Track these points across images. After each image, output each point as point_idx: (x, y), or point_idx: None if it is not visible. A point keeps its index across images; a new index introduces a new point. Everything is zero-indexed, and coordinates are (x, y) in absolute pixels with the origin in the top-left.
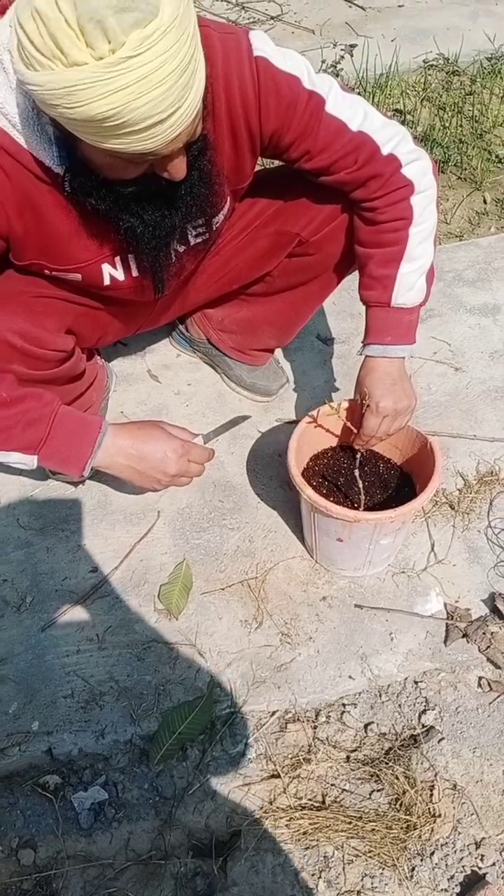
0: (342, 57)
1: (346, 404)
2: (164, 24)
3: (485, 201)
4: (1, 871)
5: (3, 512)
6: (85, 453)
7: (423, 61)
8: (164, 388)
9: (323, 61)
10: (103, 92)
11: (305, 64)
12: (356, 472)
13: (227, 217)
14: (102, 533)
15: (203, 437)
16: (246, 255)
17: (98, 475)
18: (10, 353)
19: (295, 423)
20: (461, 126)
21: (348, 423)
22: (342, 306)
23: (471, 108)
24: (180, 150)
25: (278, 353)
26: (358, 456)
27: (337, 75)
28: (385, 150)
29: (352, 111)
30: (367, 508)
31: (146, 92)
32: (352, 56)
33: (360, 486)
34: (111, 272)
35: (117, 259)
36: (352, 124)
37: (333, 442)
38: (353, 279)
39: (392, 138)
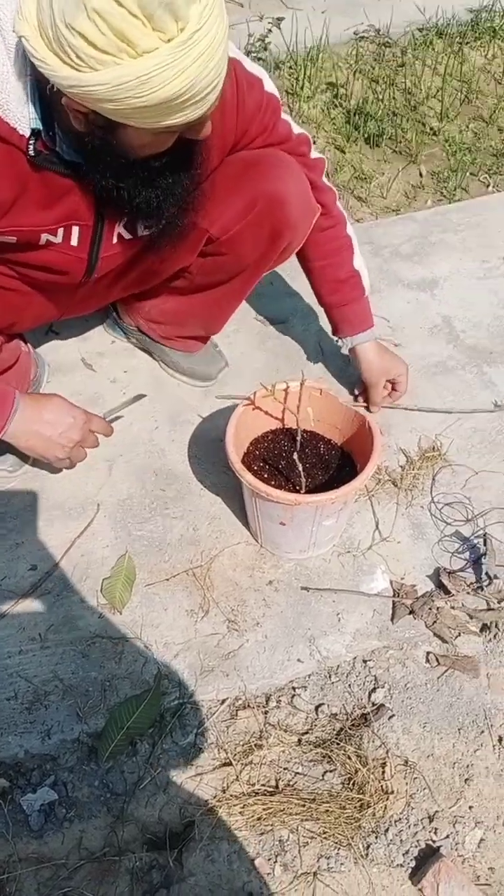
0: (270, 31)
1: (282, 385)
2: (206, 6)
3: (420, 174)
4: None
5: None
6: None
7: (354, 33)
8: (99, 377)
9: (250, 35)
10: (177, 70)
11: (262, 69)
12: (295, 455)
13: None
14: (41, 529)
15: (103, 415)
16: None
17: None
18: None
19: (236, 407)
20: (394, 98)
21: (286, 406)
22: (279, 286)
23: (404, 80)
24: (208, 116)
25: (216, 337)
26: (298, 438)
27: (265, 49)
28: (313, 155)
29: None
30: (309, 490)
31: (211, 60)
32: (280, 29)
33: (301, 468)
34: (48, 237)
35: (60, 230)
36: (293, 128)
37: (273, 425)
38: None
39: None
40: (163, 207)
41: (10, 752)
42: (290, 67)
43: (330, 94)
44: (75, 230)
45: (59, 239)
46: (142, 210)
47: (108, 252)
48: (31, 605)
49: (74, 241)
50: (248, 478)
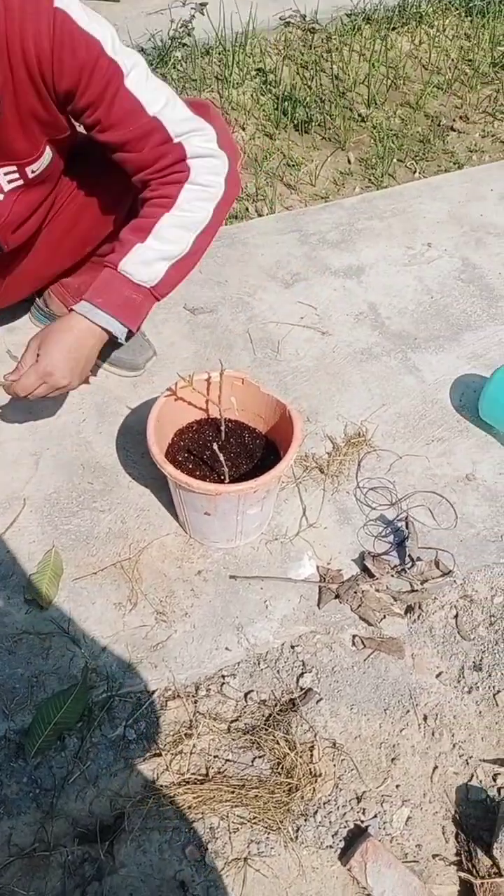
0: (193, 16)
1: (203, 375)
2: None
3: (349, 161)
4: None
5: None
6: None
7: (281, 18)
8: None
9: (172, 21)
10: None
11: (111, 33)
12: (215, 446)
13: (54, 167)
14: None
15: None
16: (90, 212)
17: None
18: None
19: None
20: (323, 85)
21: (208, 396)
22: (208, 274)
23: (332, 66)
24: None
25: (144, 325)
26: (222, 428)
27: (189, 34)
28: (175, 140)
29: (153, 95)
30: (234, 480)
31: None
32: (203, 14)
33: (222, 458)
34: None
35: None
36: (149, 108)
37: (197, 415)
38: (216, 238)
39: (189, 132)
40: None
41: None
42: (220, 53)
43: (259, 81)
44: None
45: None
46: None
47: None
48: None
49: None
50: (169, 469)
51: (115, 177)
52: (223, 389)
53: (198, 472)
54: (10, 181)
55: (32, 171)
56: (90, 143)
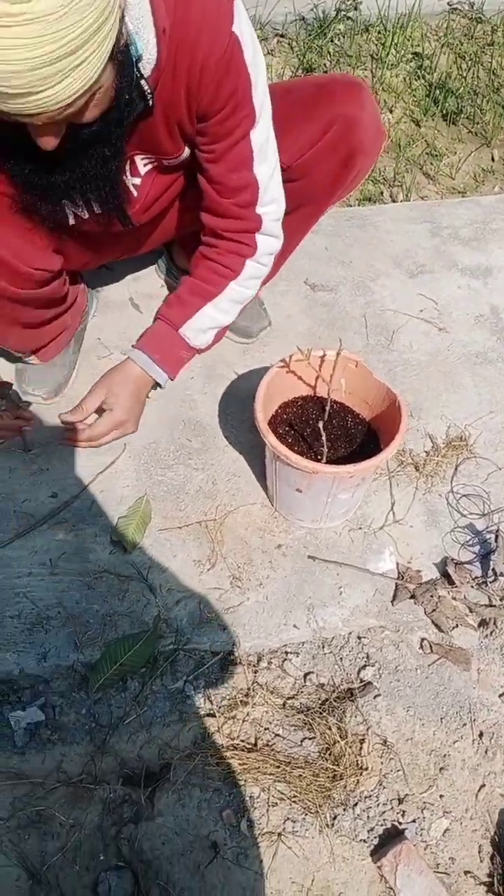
0: None
1: (318, 352)
2: (35, 13)
3: (492, 158)
4: None
5: None
6: None
7: (448, 3)
8: (145, 318)
9: None
10: None
11: (263, 73)
12: (321, 424)
13: (188, 159)
14: (66, 459)
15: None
16: None
17: None
18: None
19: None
20: (478, 77)
21: (320, 373)
22: (334, 252)
23: (490, 60)
24: (51, 128)
25: (263, 295)
26: (327, 408)
27: (356, 8)
28: (259, 210)
29: (264, 154)
30: (331, 461)
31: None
32: None
33: (324, 438)
34: (74, 211)
35: (78, 198)
36: (257, 166)
37: (305, 391)
38: (347, 218)
39: (271, 206)
40: (88, 188)
41: (6, 668)
42: (379, 32)
43: (414, 65)
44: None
45: (85, 213)
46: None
47: (131, 203)
48: (47, 531)
49: (97, 209)
50: (270, 439)
51: None
52: (335, 370)
53: (296, 448)
54: (145, 164)
55: (167, 162)
56: None
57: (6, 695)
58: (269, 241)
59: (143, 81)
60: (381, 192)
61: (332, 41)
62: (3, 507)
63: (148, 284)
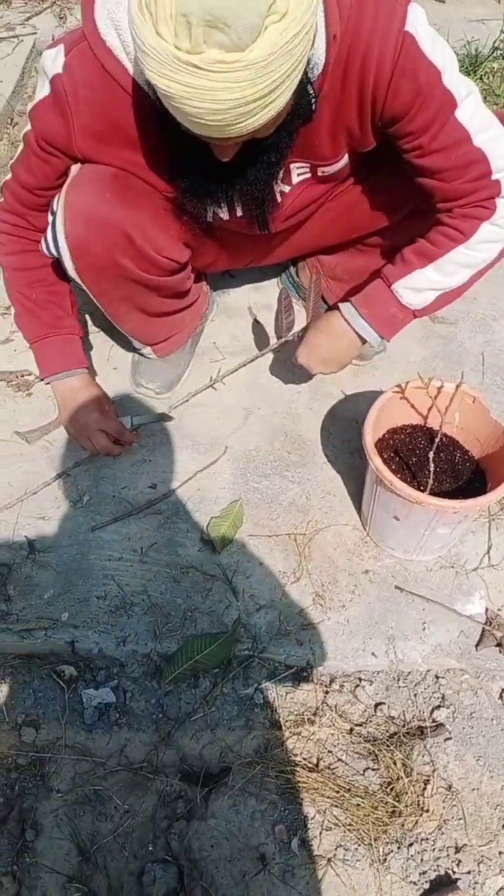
0: None
1: (437, 383)
2: (247, 61)
3: None
4: (2, 742)
5: None
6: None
7: None
8: (259, 329)
9: (503, 31)
10: (167, 73)
11: (452, 59)
12: (430, 455)
13: (344, 170)
14: (169, 454)
15: (130, 420)
16: (366, 205)
17: None
18: (127, 247)
19: (380, 393)
20: None
21: (435, 404)
22: None
23: None
24: (232, 146)
25: None
26: (437, 439)
27: None
28: (494, 176)
29: (482, 123)
30: (433, 495)
31: (201, 101)
32: None
33: (431, 469)
34: (215, 209)
35: (223, 198)
36: (476, 137)
37: (415, 419)
38: None
39: None
40: (244, 188)
41: (86, 646)
42: None
43: None
44: (236, 197)
45: (225, 214)
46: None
47: (275, 209)
48: (142, 519)
49: (239, 212)
50: (376, 462)
51: (403, 182)
52: (452, 402)
53: (399, 475)
54: (299, 174)
55: (323, 171)
56: (388, 151)
57: (82, 671)
58: None
59: (308, 86)
60: None
61: (481, 79)
62: (103, 490)
63: (268, 296)
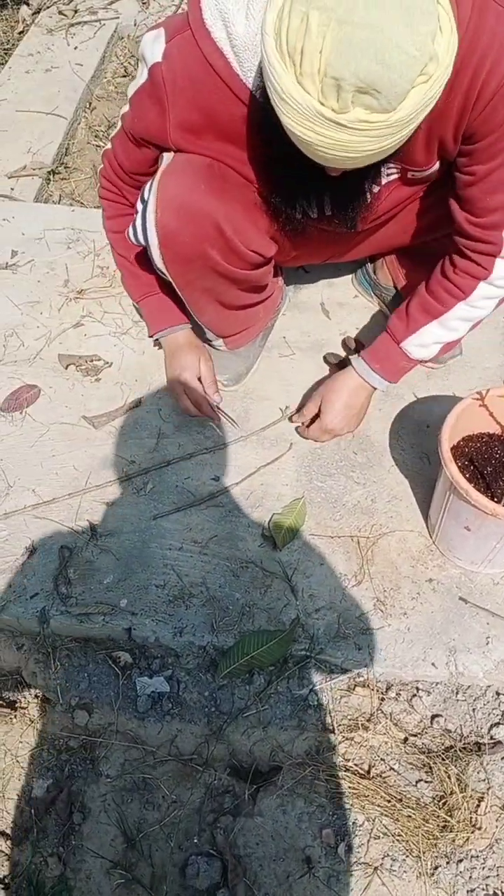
0: None
1: None
2: (391, 121)
3: None
4: (55, 723)
5: (149, 399)
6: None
7: None
8: (331, 325)
9: None
10: (303, 122)
11: None
12: None
13: (431, 175)
14: (233, 447)
15: (219, 402)
16: (443, 209)
17: None
18: (216, 238)
19: (453, 398)
20: None
21: None
22: None
23: None
24: None
25: None
26: None
27: None
28: None
29: None
30: None
31: (335, 151)
32: None
33: None
34: (305, 207)
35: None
36: None
37: (493, 428)
38: None
39: None
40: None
41: (143, 634)
42: None
43: None
44: (325, 197)
45: (314, 213)
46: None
47: (364, 209)
48: (204, 511)
49: (328, 211)
50: (452, 469)
51: None
52: None
53: (473, 485)
54: (388, 174)
55: (412, 175)
56: None
57: (137, 659)
58: None
59: None
60: None
61: None
62: (167, 479)
63: (341, 293)
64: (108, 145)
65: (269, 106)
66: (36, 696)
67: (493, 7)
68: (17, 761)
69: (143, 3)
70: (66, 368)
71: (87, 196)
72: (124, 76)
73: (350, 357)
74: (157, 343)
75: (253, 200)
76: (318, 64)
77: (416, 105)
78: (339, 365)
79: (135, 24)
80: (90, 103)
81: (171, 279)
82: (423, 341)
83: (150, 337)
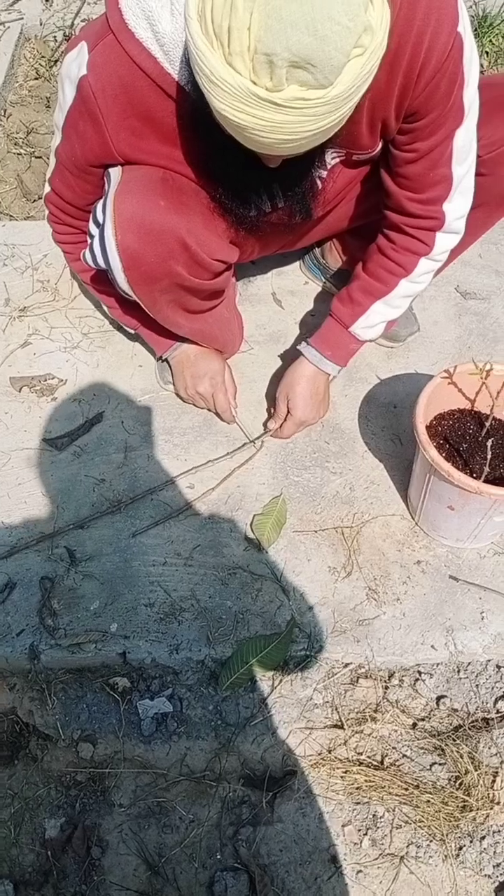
0: None
1: (500, 369)
2: (328, 97)
3: None
4: (59, 759)
5: (110, 413)
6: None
7: None
8: (286, 315)
9: None
10: (236, 105)
11: (477, 71)
12: (488, 443)
13: (375, 156)
14: (205, 452)
15: (237, 413)
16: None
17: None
18: (181, 252)
19: (416, 375)
20: None
21: (487, 386)
22: (489, 260)
23: None
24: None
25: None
26: (487, 424)
27: None
28: (445, 206)
29: (465, 152)
30: (487, 482)
31: (274, 133)
32: None
33: (488, 456)
34: (257, 203)
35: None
36: (455, 165)
37: (463, 404)
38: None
39: (459, 201)
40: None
41: (138, 656)
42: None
43: None
44: (276, 188)
45: (267, 207)
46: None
47: (315, 197)
48: (183, 521)
49: (281, 203)
50: (431, 452)
51: None
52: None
53: (451, 463)
54: (332, 158)
55: (357, 157)
56: None
57: (136, 682)
58: (448, 237)
59: None
60: None
61: (490, 42)
62: (141, 493)
63: (291, 281)
64: (47, 188)
65: (199, 94)
66: (36, 735)
67: None
68: (26, 804)
69: (47, 2)
70: (20, 391)
71: (15, 208)
72: (37, 79)
73: (299, 347)
74: (164, 360)
75: (209, 207)
76: (248, 41)
77: (353, 80)
78: None
79: (41, 24)
80: (5, 110)
81: (137, 299)
82: (371, 322)
83: (158, 360)
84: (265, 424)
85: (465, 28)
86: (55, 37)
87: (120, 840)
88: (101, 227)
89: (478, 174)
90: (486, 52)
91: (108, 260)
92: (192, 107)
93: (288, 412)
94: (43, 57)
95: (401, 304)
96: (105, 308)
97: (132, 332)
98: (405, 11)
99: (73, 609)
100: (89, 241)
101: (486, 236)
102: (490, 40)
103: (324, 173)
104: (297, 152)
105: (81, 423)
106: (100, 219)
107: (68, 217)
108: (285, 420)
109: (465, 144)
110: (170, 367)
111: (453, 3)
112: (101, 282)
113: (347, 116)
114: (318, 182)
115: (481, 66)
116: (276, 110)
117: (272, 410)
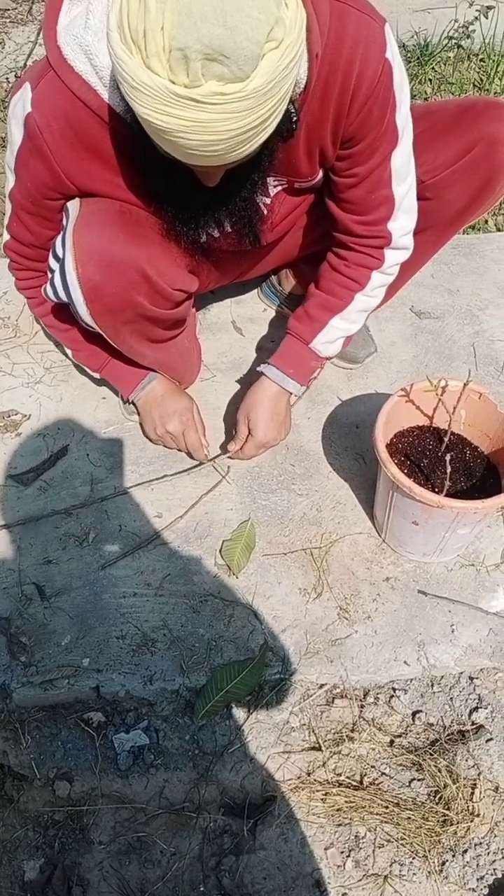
0: (476, 18)
1: (455, 385)
2: (247, 91)
3: None
4: (36, 799)
5: (74, 445)
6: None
7: None
8: (246, 342)
9: (455, 20)
10: (162, 108)
11: (408, 95)
12: (447, 457)
13: (317, 184)
14: (171, 480)
15: (207, 451)
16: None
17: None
18: (142, 283)
19: (376, 395)
20: None
21: (443, 402)
22: (441, 280)
23: None
24: (220, 169)
25: (369, 321)
26: (446, 439)
27: (468, 36)
28: (390, 225)
29: (404, 173)
30: (449, 496)
31: (199, 133)
32: (486, 18)
33: (448, 471)
34: (206, 230)
35: (211, 217)
36: (395, 186)
37: (421, 420)
38: (453, 246)
39: (403, 219)
40: (228, 205)
41: (112, 689)
42: (482, 60)
43: None
44: (223, 215)
45: (216, 233)
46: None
47: (262, 222)
48: (152, 551)
49: (228, 228)
50: (392, 470)
51: None
52: (459, 401)
53: (412, 479)
54: (275, 185)
55: (299, 185)
56: None
57: (110, 716)
58: (397, 253)
59: (290, 104)
60: (486, 221)
61: (432, 69)
62: (108, 525)
63: (250, 308)
64: (6, 237)
65: (136, 120)
66: (11, 776)
67: (352, 13)
68: (4, 847)
69: None
70: None
71: None
72: None
73: (260, 368)
74: (131, 403)
75: (164, 235)
76: (162, 40)
77: (271, 73)
78: None
79: None
80: None
81: (100, 331)
82: (330, 337)
83: (125, 402)
84: (222, 447)
85: (392, 54)
86: (7, 79)
87: (101, 878)
88: (61, 261)
89: (423, 199)
90: (430, 80)
91: (70, 293)
92: (132, 134)
93: (249, 433)
94: None
95: (357, 318)
96: (69, 352)
97: (97, 377)
98: (333, 41)
99: (44, 645)
100: (49, 275)
101: (437, 257)
102: (433, 67)
103: (267, 200)
104: (228, 160)
105: (46, 457)
106: (59, 253)
107: (29, 261)
108: (245, 441)
109: (402, 165)
110: (136, 409)
111: (380, 31)
112: (64, 321)
113: (274, 121)
114: (263, 208)
115: (425, 92)
116: (196, 108)
117: (234, 432)
